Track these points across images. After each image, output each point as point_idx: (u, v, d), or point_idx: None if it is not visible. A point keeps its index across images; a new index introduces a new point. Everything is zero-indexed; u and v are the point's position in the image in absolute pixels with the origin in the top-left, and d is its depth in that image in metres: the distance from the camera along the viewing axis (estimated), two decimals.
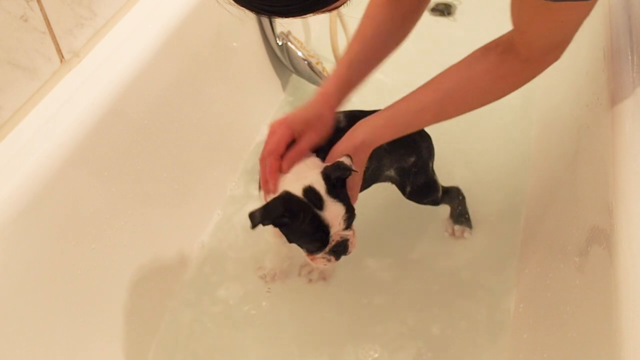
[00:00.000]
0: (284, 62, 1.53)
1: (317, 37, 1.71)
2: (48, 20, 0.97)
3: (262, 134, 1.46)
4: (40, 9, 0.95)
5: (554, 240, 1.01)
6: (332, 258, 0.91)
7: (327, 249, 0.90)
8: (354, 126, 0.93)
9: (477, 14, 1.76)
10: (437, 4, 1.85)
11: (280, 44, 1.49)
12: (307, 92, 1.57)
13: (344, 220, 0.88)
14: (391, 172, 1.06)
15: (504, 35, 0.85)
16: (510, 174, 1.32)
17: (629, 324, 0.62)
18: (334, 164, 0.88)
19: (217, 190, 1.31)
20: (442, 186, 1.15)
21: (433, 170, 1.12)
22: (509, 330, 1.04)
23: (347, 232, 0.90)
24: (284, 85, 1.59)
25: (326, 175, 0.87)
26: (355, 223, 1.09)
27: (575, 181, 0.99)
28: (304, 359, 1.05)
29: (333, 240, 0.89)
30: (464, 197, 1.19)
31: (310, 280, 1.14)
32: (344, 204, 0.88)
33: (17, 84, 0.94)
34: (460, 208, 1.20)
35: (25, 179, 0.86)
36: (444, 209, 1.21)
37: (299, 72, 1.53)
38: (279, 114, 1.53)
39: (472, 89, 0.88)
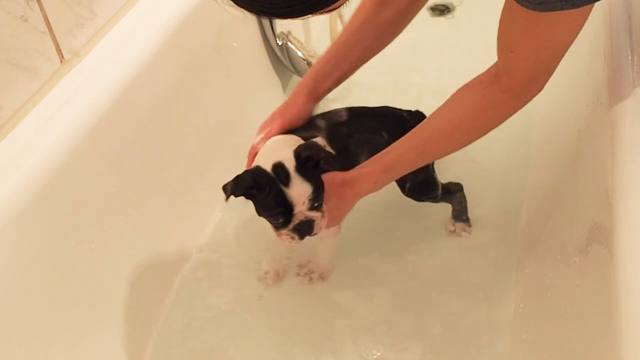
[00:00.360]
0: (284, 62, 1.53)
1: (317, 37, 1.71)
2: (48, 20, 0.97)
3: (262, 133, 1.46)
4: (40, 9, 0.96)
5: (554, 240, 1.01)
6: (296, 236, 0.92)
7: (291, 226, 0.91)
8: (346, 175, 0.96)
9: (477, 14, 1.75)
10: (437, 4, 1.85)
11: (280, 44, 1.49)
12: None
13: (309, 200, 0.89)
14: None
15: (486, 71, 0.87)
16: (510, 174, 1.32)
17: (629, 324, 0.62)
18: (306, 143, 0.90)
19: (217, 191, 1.31)
20: (443, 183, 1.15)
21: (433, 168, 1.12)
22: (509, 330, 1.04)
23: (314, 213, 0.91)
24: (284, 85, 1.59)
25: (297, 153, 0.89)
26: (354, 222, 1.09)
27: (575, 181, 0.99)
28: (306, 358, 1.05)
29: (297, 219, 0.90)
30: (464, 195, 1.19)
31: (311, 280, 1.14)
32: (312, 184, 0.89)
33: (17, 84, 0.94)
34: (460, 206, 1.20)
35: (25, 179, 0.86)
36: (444, 209, 1.20)
37: (299, 72, 1.53)
38: None
39: (457, 125, 0.90)
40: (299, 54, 1.49)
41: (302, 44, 1.51)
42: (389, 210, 1.25)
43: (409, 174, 1.07)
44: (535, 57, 0.79)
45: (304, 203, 0.89)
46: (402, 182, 1.10)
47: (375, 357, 1.04)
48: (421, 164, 0.97)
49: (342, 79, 1.06)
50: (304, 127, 1.03)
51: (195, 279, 1.18)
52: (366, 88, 1.52)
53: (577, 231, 0.88)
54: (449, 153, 0.95)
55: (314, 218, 0.91)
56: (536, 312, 0.99)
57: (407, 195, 1.13)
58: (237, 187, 0.89)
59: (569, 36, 0.75)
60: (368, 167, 0.96)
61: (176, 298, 1.14)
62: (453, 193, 1.18)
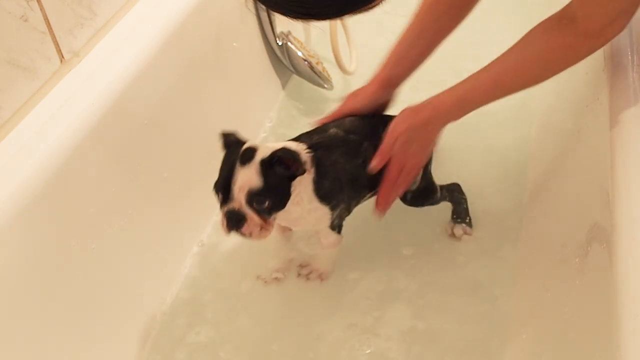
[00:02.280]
0: (284, 62, 1.53)
1: (317, 37, 1.71)
2: (48, 20, 0.97)
3: (261, 134, 1.46)
4: (40, 9, 0.96)
5: (554, 240, 1.01)
6: (225, 223, 0.90)
7: (225, 209, 0.89)
8: (417, 105, 0.97)
9: (477, 14, 1.75)
10: None
11: (280, 44, 1.49)
12: (307, 92, 1.57)
13: (249, 193, 0.87)
14: None
15: (565, 7, 0.85)
16: (510, 174, 1.32)
17: (629, 324, 0.62)
18: (289, 151, 0.89)
19: None
20: (441, 185, 1.15)
21: (430, 173, 1.12)
22: (509, 330, 1.04)
23: (250, 212, 0.88)
24: (284, 85, 1.60)
25: (274, 152, 0.88)
26: (354, 221, 1.09)
27: (575, 181, 1.00)
28: (302, 353, 1.05)
29: (231, 205, 0.88)
30: (464, 196, 1.19)
31: (308, 279, 1.14)
32: (264, 183, 0.87)
33: (17, 84, 0.94)
34: (460, 207, 1.20)
35: (25, 179, 0.86)
36: (444, 208, 1.20)
37: (299, 72, 1.53)
38: (279, 114, 1.53)
39: (532, 63, 0.89)
40: (299, 54, 1.49)
41: (302, 44, 1.51)
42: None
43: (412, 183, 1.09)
44: (611, 1, 0.78)
45: (241, 191, 0.87)
46: (403, 194, 1.10)
47: (367, 352, 1.04)
48: (495, 97, 0.94)
49: (417, 63, 1.05)
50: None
51: (195, 278, 1.18)
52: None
53: (577, 231, 0.88)
54: (523, 88, 0.93)
55: (247, 216, 0.88)
56: (536, 312, 0.99)
57: (410, 205, 1.13)
58: (228, 135, 0.93)
59: None
60: (442, 96, 0.95)
61: (176, 298, 1.14)
62: (452, 193, 1.18)
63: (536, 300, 1.01)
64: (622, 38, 0.96)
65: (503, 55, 0.92)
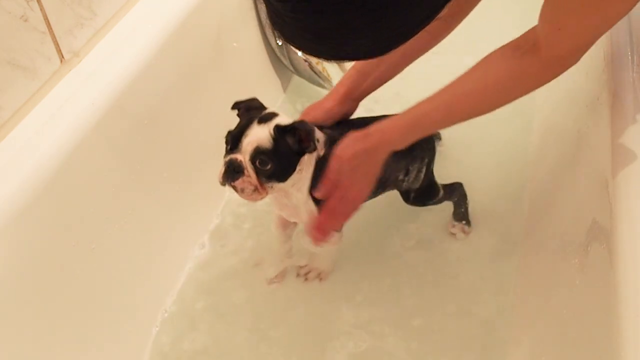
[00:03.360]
0: (284, 62, 1.53)
1: None
2: (48, 20, 0.97)
3: None
4: (40, 9, 0.96)
5: (554, 240, 1.01)
6: (222, 171, 0.90)
7: (227, 157, 0.90)
8: (369, 128, 0.93)
9: (477, 14, 1.75)
10: None
11: (280, 44, 1.49)
12: (307, 92, 1.57)
13: (255, 149, 0.88)
14: (399, 178, 1.06)
15: (524, 35, 0.84)
16: (510, 174, 1.32)
17: (629, 324, 0.62)
18: (307, 125, 0.90)
19: (217, 191, 1.31)
20: (443, 184, 1.15)
21: (432, 172, 1.12)
22: (509, 330, 1.04)
23: (249, 166, 0.89)
24: (284, 85, 1.59)
25: (292, 123, 0.90)
26: (353, 220, 1.09)
27: (575, 181, 0.99)
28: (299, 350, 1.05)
29: (235, 155, 0.89)
30: (465, 194, 1.19)
31: (307, 279, 1.14)
32: (273, 146, 0.88)
33: (17, 84, 0.94)
34: (461, 206, 1.20)
35: (25, 179, 0.86)
36: (443, 208, 1.20)
37: (299, 72, 1.53)
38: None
39: (489, 90, 0.87)
40: (299, 54, 1.49)
41: None
42: (386, 208, 1.25)
43: (412, 184, 1.08)
44: (583, 33, 0.76)
45: (249, 145, 0.88)
46: (406, 194, 1.10)
47: (363, 347, 1.04)
48: (446, 124, 0.93)
49: (384, 80, 1.03)
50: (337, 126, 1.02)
51: (195, 279, 1.18)
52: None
53: (577, 231, 0.88)
54: (474, 117, 0.90)
55: (245, 170, 0.88)
56: (536, 312, 0.99)
57: (412, 204, 1.13)
58: (245, 102, 0.96)
59: (625, 9, 0.72)
60: (392, 122, 0.92)
61: (177, 298, 1.14)
62: (453, 192, 1.18)
63: (536, 299, 1.01)
64: (622, 38, 0.96)
65: (457, 81, 0.88)
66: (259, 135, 0.89)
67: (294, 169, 0.92)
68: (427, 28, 0.94)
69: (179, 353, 1.06)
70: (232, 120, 1.33)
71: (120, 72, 1.04)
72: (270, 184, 0.91)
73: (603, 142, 0.85)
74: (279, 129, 0.89)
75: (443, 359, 1.03)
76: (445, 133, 1.09)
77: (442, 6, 0.59)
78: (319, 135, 0.90)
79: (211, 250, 1.22)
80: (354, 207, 0.96)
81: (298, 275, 1.16)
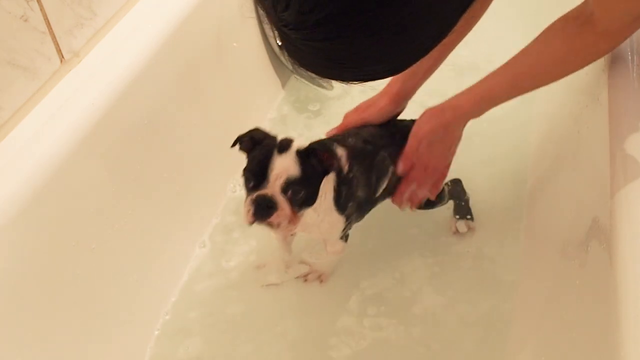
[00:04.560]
0: (284, 62, 1.53)
1: None
2: (48, 20, 0.97)
3: None
4: (40, 9, 0.95)
5: (554, 240, 1.01)
6: (251, 210, 0.86)
7: (254, 195, 0.86)
8: (442, 104, 0.98)
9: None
10: None
11: (280, 43, 1.49)
12: (307, 92, 1.57)
13: (286, 181, 0.85)
14: None
15: (581, 6, 0.85)
16: (510, 175, 1.32)
17: (629, 324, 0.62)
18: (327, 146, 0.88)
19: (217, 191, 1.31)
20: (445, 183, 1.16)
21: None
22: (509, 329, 1.04)
23: (281, 199, 0.85)
24: (284, 85, 1.59)
25: (310, 145, 0.88)
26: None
27: (575, 181, 1.00)
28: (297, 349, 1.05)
29: (263, 191, 0.85)
30: (465, 192, 1.19)
31: (306, 280, 1.14)
32: (301, 173, 0.85)
33: (17, 84, 0.94)
34: (462, 203, 1.20)
35: (25, 179, 0.86)
36: (444, 207, 1.21)
37: (298, 72, 1.53)
38: (278, 114, 1.52)
39: (551, 63, 0.90)
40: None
41: None
42: (386, 210, 1.25)
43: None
44: (635, 8, 0.78)
45: (279, 178, 0.85)
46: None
47: (364, 344, 1.04)
48: (513, 95, 0.96)
49: (429, 73, 1.06)
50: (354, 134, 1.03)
51: (195, 279, 1.18)
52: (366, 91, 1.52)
53: (577, 231, 0.88)
54: (540, 86, 0.94)
55: (278, 203, 0.85)
56: (536, 312, 0.99)
57: (424, 208, 1.13)
58: (248, 134, 0.90)
59: None
60: (463, 96, 0.97)
61: (177, 298, 1.14)
62: (453, 189, 1.18)
63: (536, 299, 1.01)
64: None
65: (520, 54, 0.92)
66: (286, 165, 0.85)
67: (319, 190, 0.91)
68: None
69: (180, 355, 1.06)
70: (232, 121, 1.33)
71: (120, 72, 1.04)
72: (301, 212, 0.89)
73: (603, 142, 0.85)
74: (301, 154, 0.86)
75: (442, 357, 1.03)
76: None
77: (456, 20, 0.59)
78: (341, 152, 0.89)
79: (211, 250, 1.22)
80: (441, 175, 1.05)
81: (297, 276, 1.16)
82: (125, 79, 1.04)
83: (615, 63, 0.94)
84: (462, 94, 0.98)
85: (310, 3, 0.53)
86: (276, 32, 0.60)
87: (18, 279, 0.84)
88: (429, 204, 1.13)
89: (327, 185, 0.94)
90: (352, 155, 0.95)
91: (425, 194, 1.07)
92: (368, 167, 1.00)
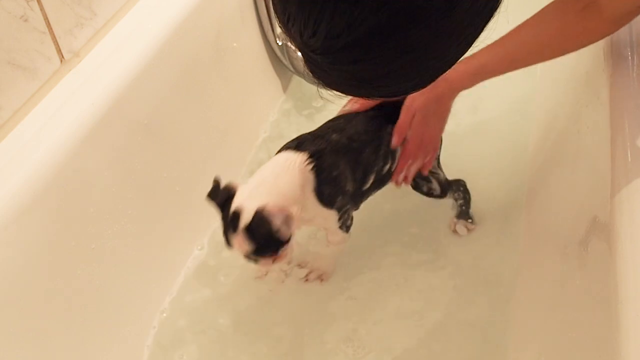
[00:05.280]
0: (284, 62, 1.53)
1: None
2: (48, 20, 0.97)
3: (262, 134, 1.46)
4: (40, 9, 0.96)
5: (554, 240, 1.01)
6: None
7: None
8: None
9: None
10: None
11: (280, 44, 1.49)
12: (307, 92, 1.57)
13: (245, 255, 0.93)
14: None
15: None
16: (510, 174, 1.31)
17: (629, 324, 0.62)
18: (259, 219, 0.89)
19: None
20: (447, 179, 1.17)
21: (440, 167, 1.16)
22: (509, 329, 1.04)
23: (255, 258, 0.94)
24: (284, 85, 1.59)
25: (253, 219, 0.90)
26: (354, 220, 1.09)
27: (575, 181, 0.99)
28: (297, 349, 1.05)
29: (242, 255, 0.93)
30: (467, 192, 1.20)
31: (307, 280, 1.14)
32: (255, 247, 0.91)
33: (17, 84, 0.94)
34: (463, 204, 1.20)
35: (25, 179, 0.86)
36: (445, 206, 1.21)
37: (299, 72, 1.53)
38: (279, 114, 1.52)
39: (548, 41, 0.90)
40: (299, 54, 1.48)
41: None
42: (386, 208, 1.25)
43: (424, 179, 1.12)
44: None
45: (241, 251, 0.93)
46: (418, 187, 1.14)
47: (359, 351, 1.04)
48: (507, 70, 0.96)
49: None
50: (316, 138, 1.03)
51: (195, 279, 1.18)
52: None
53: (577, 231, 0.88)
54: (536, 63, 0.96)
55: (257, 261, 0.95)
56: (536, 311, 0.99)
57: (422, 193, 1.16)
58: (211, 189, 0.98)
59: None
60: (456, 70, 0.94)
61: (177, 298, 1.14)
62: (456, 189, 1.19)
63: (536, 298, 1.01)
64: (622, 37, 0.96)
65: (518, 29, 0.92)
66: (239, 243, 0.92)
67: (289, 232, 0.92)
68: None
69: (179, 355, 1.06)
70: (233, 121, 1.33)
71: (120, 72, 1.04)
72: (282, 251, 0.94)
73: (603, 142, 0.85)
74: (249, 231, 0.90)
75: (442, 357, 1.03)
76: (446, 132, 1.09)
77: (480, 31, 0.59)
78: (280, 218, 0.89)
79: (211, 250, 1.22)
80: (433, 148, 1.06)
81: (299, 275, 1.16)
82: (125, 79, 1.04)
83: (615, 62, 0.94)
84: (456, 67, 0.94)
85: (338, 28, 0.52)
86: (300, 55, 0.59)
87: (17, 278, 0.84)
88: (428, 193, 1.15)
89: (307, 187, 0.98)
90: (335, 151, 1.00)
91: (418, 167, 1.08)
92: (353, 163, 1.02)
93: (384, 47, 0.53)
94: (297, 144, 1.02)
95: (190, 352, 1.07)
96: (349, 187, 1.02)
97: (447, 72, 0.96)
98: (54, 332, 0.90)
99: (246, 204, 0.92)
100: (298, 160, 0.98)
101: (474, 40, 0.59)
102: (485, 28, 0.58)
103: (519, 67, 0.95)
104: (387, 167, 1.06)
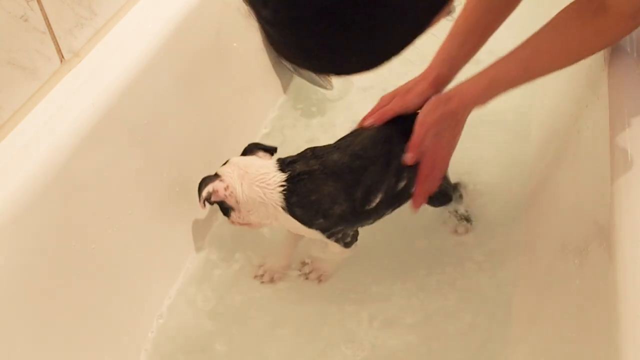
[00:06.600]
0: (284, 62, 1.53)
1: None
2: (48, 20, 0.97)
3: (262, 135, 1.46)
4: (40, 9, 0.96)
5: (554, 241, 1.01)
6: None
7: None
8: (449, 92, 0.98)
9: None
10: None
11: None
12: (308, 92, 1.57)
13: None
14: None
15: None
16: (510, 174, 1.31)
17: (629, 324, 0.62)
18: (199, 185, 1.04)
19: None
20: (452, 184, 1.17)
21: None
22: (509, 330, 1.04)
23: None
24: (285, 85, 1.59)
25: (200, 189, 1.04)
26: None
27: (575, 181, 0.99)
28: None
29: None
30: (461, 194, 1.19)
31: (307, 278, 1.14)
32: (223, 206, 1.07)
33: (17, 84, 0.94)
34: (461, 204, 1.20)
35: (25, 179, 0.86)
36: (445, 207, 1.21)
37: (299, 73, 1.53)
38: (279, 115, 1.53)
39: (563, 48, 0.89)
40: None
41: None
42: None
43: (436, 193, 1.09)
44: None
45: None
46: (431, 201, 1.11)
47: (362, 354, 1.04)
48: (523, 81, 0.94)
49: (467, 59, 1.04)
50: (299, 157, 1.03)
51: (195, 279, 1.18)
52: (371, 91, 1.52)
53: (576, 232, 0.88)
54: (551, 72, 0.93)
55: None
56: (536, 311, 0.99)
57: (436, 205, 1.15)
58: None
59: None
60: (470, 83, 0.95)
61: (176, 298, 1.14)
62: (457, 191, 1.19)
63: (536, 299, 1.01)
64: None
65: (532, 39, 0.90)
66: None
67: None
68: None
69: (178, 355, 1.06)
70: (233, 121, 1.34)
71: (120, 72, 1.04)
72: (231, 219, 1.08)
73: (603, 142, 0.84)
74: (202, 198, 1.05)
75: (443, 358, 1.03)
76: None
77: (429, 20, 0.59)
78: (207, 192, 1.03)
79: (211, 250, 1.22)
80: (445, 168, 1.04)
81: (300, 272, 1.16)
82: (125, 79, 1.04)
83: (615, 62, 0.94)
84: (469, 80, 0.95)
85: (286, 1, 0.56)
86: (259, 27, 0.62)
87: (17, 278, 0.84)
88: (435, 202, 1.13)
89: (276, 204, 1.01)
90: (324, 174, 0.98)
91: (434, 188, 1.05)
92: (350, 183, 0.99)
93: (327, 24, 0.56)
94: (288, 162, 1.01)
95: (190, 352, 1.07)
96: (338, 209, 0.99)
97: (460, 86, 0.96)
98: (52, 332, 0.90)
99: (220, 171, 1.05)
100: (275, 179, 1.00)
101: (423, 27, 0.59)
102: (434, 16, 0.59)
103: (535, 77, 0.92)
104: (402, 184, 1.01)
